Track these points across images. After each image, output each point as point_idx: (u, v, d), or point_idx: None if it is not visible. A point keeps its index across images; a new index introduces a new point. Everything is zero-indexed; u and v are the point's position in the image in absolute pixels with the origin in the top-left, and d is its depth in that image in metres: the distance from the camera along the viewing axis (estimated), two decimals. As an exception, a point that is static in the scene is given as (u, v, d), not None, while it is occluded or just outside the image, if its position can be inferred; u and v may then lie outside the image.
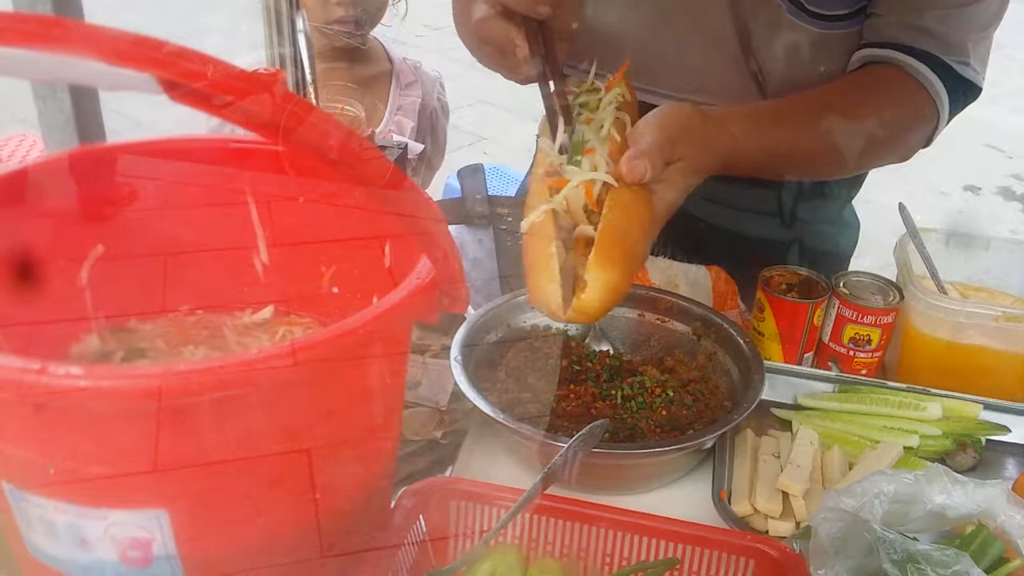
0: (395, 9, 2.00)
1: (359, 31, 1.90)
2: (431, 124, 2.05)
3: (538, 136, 0.90)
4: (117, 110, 0.97)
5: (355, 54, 1.91)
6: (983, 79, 1.12)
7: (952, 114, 1.11)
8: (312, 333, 0.65)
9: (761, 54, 1.15)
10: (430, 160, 2.08)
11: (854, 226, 1.42)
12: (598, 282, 0.77)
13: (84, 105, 0.96)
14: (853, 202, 1.43)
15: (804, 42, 1.12)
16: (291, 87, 1.20)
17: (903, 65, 1.08)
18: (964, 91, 1.10)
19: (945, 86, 1.08)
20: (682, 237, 1.33)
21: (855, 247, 1.43)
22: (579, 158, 0.83)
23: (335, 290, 0.86)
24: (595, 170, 0.81)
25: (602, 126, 0.86)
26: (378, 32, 1.98)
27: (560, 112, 0.87)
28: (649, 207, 0.84)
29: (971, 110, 1.21)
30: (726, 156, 0.94)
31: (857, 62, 1.12)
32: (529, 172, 1.55)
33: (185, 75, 0.51)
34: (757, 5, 1.12)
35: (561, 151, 0.86)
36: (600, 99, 0.90)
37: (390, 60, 2.00)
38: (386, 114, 1.95)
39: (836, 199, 1.38)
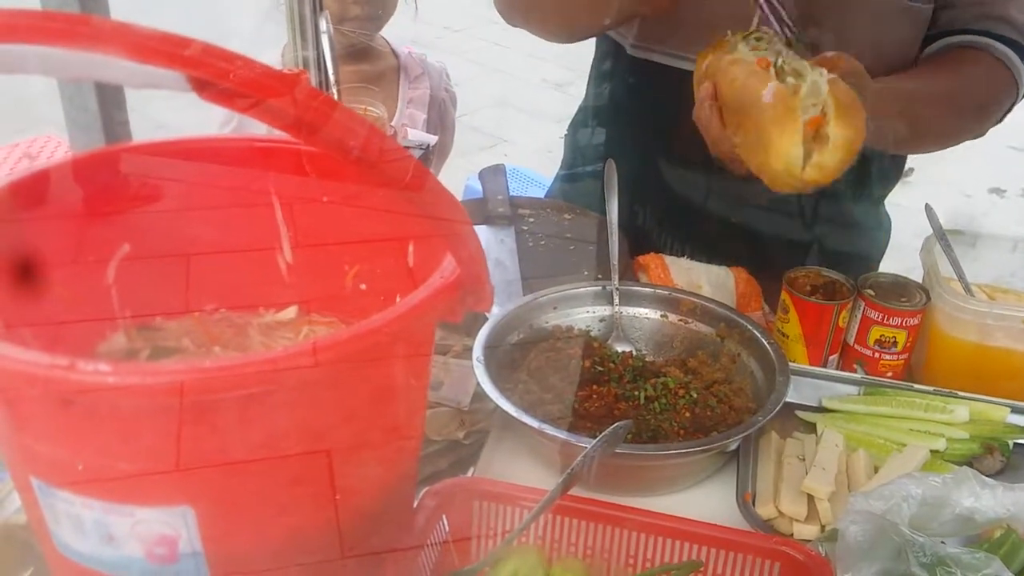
0: (407, 6, 2.00)
1: (376, 29, 1.90)
2: (440, 114, 2.06)
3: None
4: (139, 111, 0.98)
5: (365, 52, 1.92)
6: None
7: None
8: (336, 332, 0.65)
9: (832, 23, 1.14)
10: (441, 150, 2.09)
11: (885, 227, 1.42)
12: (839, 138, 0.82)
13: (110, 106, 0.96)
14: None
15: (889, 16, 1.14)
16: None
17: (989, 48, 1.13)
18: None
19: None
20: (705, 238, 1.33)
21: (886, 248, 1.42)
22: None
23: (363, 287, 0.86)
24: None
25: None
26: (388, 30, 1.98)
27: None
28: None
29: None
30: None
31: (938, 47, 1.16)
32: (557, 174, 1.55)
33: (212, 72, 0.51)
34: None
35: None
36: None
37: (396, 55, 2.00)
38: (398, 108, 1.96)
39: (866, 200, 1.38)
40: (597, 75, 1.42)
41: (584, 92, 1.47)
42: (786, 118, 0.82)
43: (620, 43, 1.30)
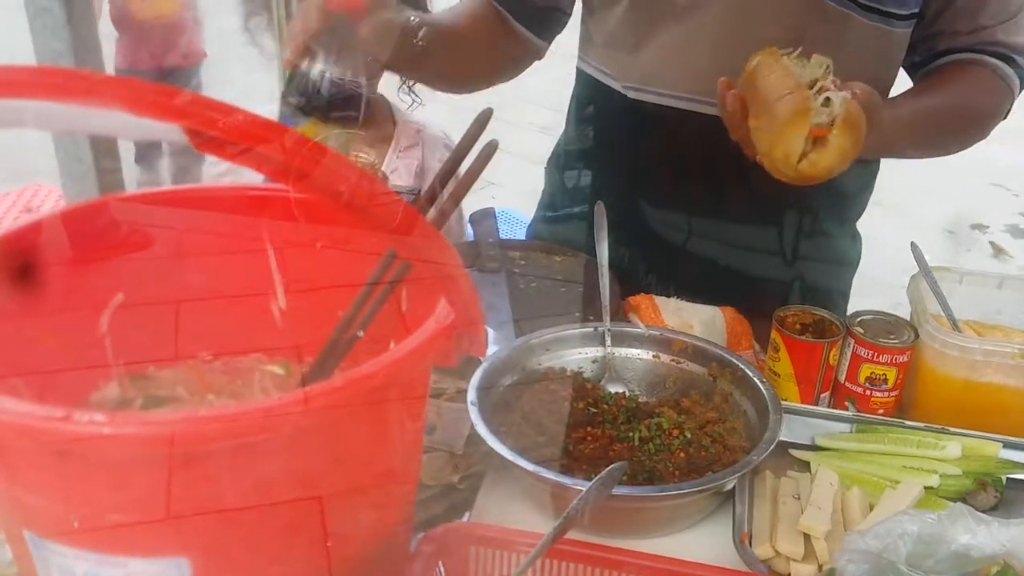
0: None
1: (370, 86, 1.86)
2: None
3: None
4: (125, 160, 0.99)
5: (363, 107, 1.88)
6: None
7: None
8: (329, 379, 0.66)
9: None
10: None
11: (858, 250, 1.45)
12: (836, 145, 0.94)
13: (102, 155, 0.97)
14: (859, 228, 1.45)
15: (871, 41, 1.21)
16: (305, 135, 1.22)
17: (982, 62, 1.22)
18: None
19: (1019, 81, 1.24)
20: (691, 278, 1.34)
21: (856, 268, 1.46)
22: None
23: (360, 333, 0.86)
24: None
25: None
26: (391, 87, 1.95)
27: None
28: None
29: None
30: (880, 142, 1.06)
31: (934, 67, 1.25)
32: (536, 215, 1.56)
33: (202, 122, 0.52)
34: (811, 8, 1.16)
35: None
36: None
37: (393, 121, 1.95)
38: (380, 174, 1.90)
39: (837, 227, 1.40)
40: (580, 114, 1.43)
41: (563, 129, 1.48)
42: (798, 119, 0.94)
43: (608, 84, 1.32)
